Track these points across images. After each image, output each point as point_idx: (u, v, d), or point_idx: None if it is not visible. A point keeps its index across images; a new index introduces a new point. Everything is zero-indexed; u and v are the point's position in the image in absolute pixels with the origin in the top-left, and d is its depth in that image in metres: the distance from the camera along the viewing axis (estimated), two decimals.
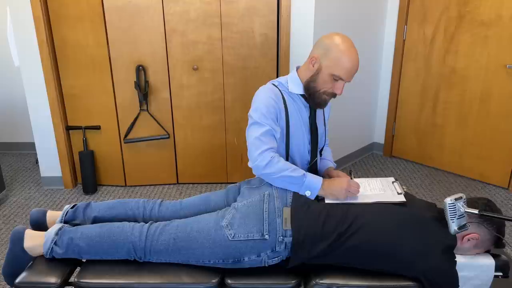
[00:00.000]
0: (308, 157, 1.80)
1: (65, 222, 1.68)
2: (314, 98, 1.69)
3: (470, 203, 1.48)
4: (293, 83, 1.73)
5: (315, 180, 1.57)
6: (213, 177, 3.34)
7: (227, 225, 1.49)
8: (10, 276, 1.58)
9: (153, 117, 3.11)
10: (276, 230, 1.47)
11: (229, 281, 1.49)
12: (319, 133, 1.81)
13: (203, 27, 2.92)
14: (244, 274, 1.50)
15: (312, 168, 1.83)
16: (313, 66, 1.65)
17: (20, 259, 1.58)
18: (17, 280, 1.48)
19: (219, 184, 3.35)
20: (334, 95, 1.69)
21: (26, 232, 1.60)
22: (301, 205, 1.53)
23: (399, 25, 3.55)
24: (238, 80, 3.06)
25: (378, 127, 3.94)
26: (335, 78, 1.62)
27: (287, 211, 1.50)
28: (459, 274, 1.44)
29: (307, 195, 1.56)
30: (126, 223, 1.59)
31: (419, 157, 3.73)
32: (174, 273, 1.50)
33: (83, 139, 3.16)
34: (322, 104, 1.71)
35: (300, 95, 1.73)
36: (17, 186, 3.37)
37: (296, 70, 1.76)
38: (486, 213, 1.42)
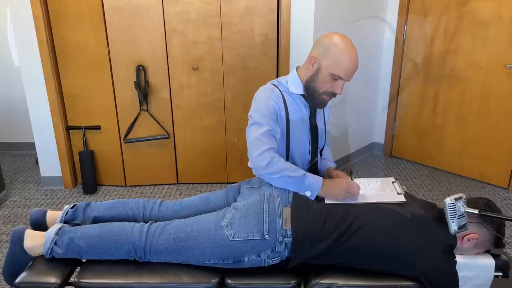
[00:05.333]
0: (308, 157, 1.80)
1: (65, 222, 1.68)
2: (313, 98, 1.69)
3: (470, 203, 1.48)
4: (293, 83, 1.72)
5: (315, 181, 1.57)
6: (213, 177, 3.34)
7: (227, 225, 1.49)
8: (10, 276, 1.58)
9: (153, 117, 3.11)
10: (276, 230, 1.47)
11: (229, 281, 1.49)
12: (319, 133, 1.81)
13: (203, 27, 2.92)
14: (244, 274, 1.50)
15: (313, 168, 1.83)
16: (313, 66, 1.64)
17: (20, 259, 1.58)
18: (17, 280, 1.48)
19: (219, 184, 3.35)
20: (334, 95, 1.68)
21: (26, 232, 1.60)
22: (301, 205, 1.53)
23: (399, 25, 3.55)
24: (238, 80, 3.06)
25: (378, 127, 3.94)
26: (335, 78, 1.62)
27: (287, 211, 1.50)
28: (459, 274, 1.44)
29: (307, 195, 1.56)
30: (126, 223, 1.59)
31: (419, 157, 3.73)
32: (174, 273, 1.50)
33: (83, 139, 3.16)
34: (322, 104, 1.71)
35: (300, 95, 1.73)
36: (17, 186, 3.37)
37: (296, 70, 1.76)
38: (486, 213, 1.42)
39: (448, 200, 1.41)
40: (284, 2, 2.87)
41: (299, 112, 1.72)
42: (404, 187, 1.66)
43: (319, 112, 1.80)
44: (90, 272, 1.52)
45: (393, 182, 1.69)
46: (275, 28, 2.95)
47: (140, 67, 2.98)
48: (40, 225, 1.71)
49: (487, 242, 1.49)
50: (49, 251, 1.54)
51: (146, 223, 1.59)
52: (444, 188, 3.30)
